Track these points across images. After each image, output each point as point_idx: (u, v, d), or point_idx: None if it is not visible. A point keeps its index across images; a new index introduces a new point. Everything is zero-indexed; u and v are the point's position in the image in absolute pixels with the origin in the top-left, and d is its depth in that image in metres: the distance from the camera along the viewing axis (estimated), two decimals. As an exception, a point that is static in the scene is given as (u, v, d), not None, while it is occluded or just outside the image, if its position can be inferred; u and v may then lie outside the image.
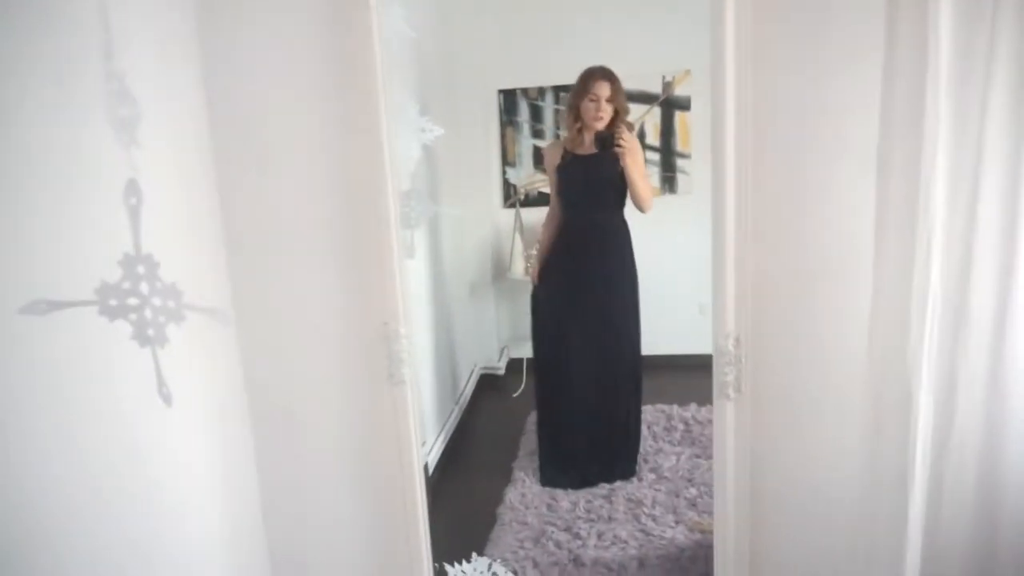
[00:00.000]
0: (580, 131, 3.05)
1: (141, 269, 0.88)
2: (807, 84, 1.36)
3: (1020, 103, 1.26)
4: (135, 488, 1.10)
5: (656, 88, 4.39)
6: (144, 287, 0.88)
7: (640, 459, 3.28)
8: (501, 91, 4.46)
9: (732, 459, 1.50)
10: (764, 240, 1.42)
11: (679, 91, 4.37)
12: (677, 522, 2.74)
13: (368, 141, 1.46)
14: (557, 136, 4.35)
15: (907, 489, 1.36)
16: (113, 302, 0.86)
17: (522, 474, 3.25)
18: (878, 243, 1.33)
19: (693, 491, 2.98)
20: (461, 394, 4.08)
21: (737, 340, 1.45)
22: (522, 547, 2.64)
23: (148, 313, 0.88)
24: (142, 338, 0.88)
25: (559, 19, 4.34)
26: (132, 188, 0.88)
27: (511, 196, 4.52)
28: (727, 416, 1.49)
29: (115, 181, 0.90)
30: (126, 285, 0.87)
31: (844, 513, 1.50)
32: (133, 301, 0.87)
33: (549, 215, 3.31)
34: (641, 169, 3.04)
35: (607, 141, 2.94)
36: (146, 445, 1.09)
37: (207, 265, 1.33)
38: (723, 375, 1.48)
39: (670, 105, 4.40)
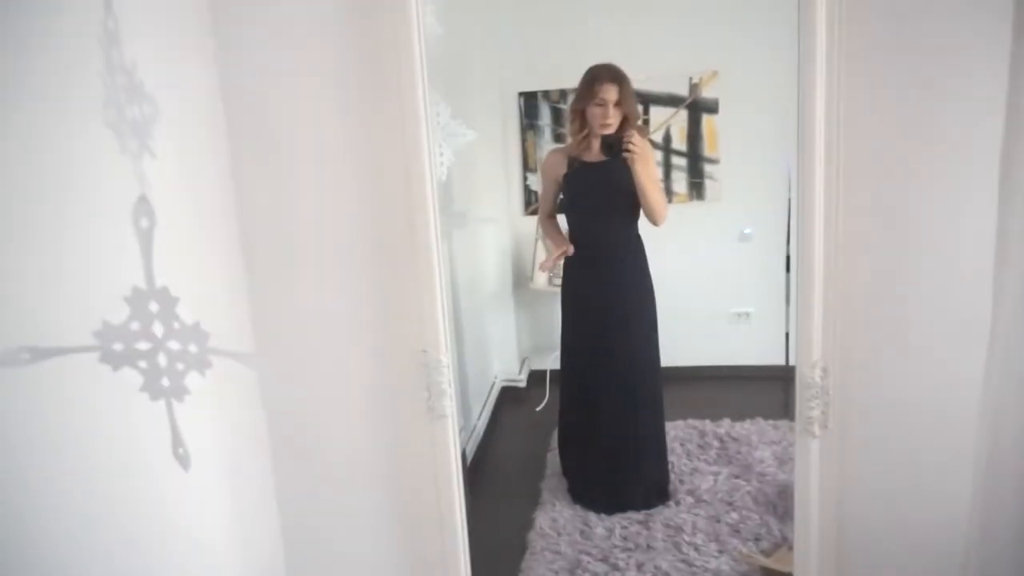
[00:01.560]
0: (586, 137, 2.83)
1: (154, 306, 0.72)
2: (908, 72, 1.19)
3: None
4: (147, 557, 0.94)
5: (683, 90, 4.22)
6: (158, 328, 0.72)
7: (675, 479, 3.10)
8: (521, 94, 4.30)
9: (816, 504, 1.33)
10: (856, 255, 1.25)
11: (706, 93, 4.21)
12: (721, 551, 2.57)
13: (405, 148, 1.30)
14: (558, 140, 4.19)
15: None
16: (118, 347, 0.70)
17: (551, 495, 3.08)
18: (1000, 257, 1.16)
19: (735, 516, 2.80)
20: (482, 409, 3.92)
21: (825, 370, 1.28)
22: (557, 579, 2.47)
23: (162, 359, 0.72)
24: (154, 390, 0.72)
25: (581, 19, 4.18)
26: (143, 207, 0.72)
27: (533, 203, 4.36)
28: (811, 455, 1.32)
29: (121, 199, 0.74)
30: (134, 326, 0.71)
31: (947, 565, 1.32)
32: (143, 345, 0.71)
33: (548, 227, 3.07)
34: (653, 177, 2.81)
35: (615, 145, 2.72)
36: (159, 516, 0.93)
37: (225, 295, 1.17)
38: (808, 409, 1.30)
39: (697, 108, 4.23)
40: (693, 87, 4.22)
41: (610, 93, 2.70)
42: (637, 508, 2.90)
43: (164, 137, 0.78)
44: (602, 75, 2.72)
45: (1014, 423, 1.22)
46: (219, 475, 1.12)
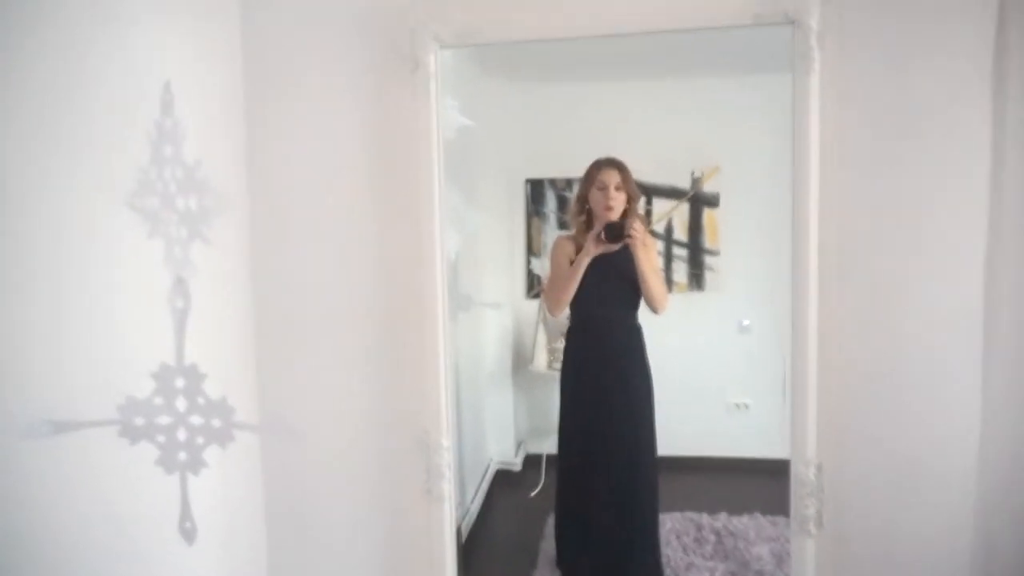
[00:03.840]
0: (588, 224, 2.94)
1: (180, 382, 0.76)
2: (900, 171, 1.28)
3: None
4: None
5: (685, 183, 4.35)
6: (181, 403, 0.75)
7: (670, 574, 3.04)
8: (529, 180, 4.43)
9: (813, 605, 1.32)
10: (852, 352, 1.30)
11: (708, 187, 4.34)
12: (716, 653, 2.49)
13: (419, 234, 1.37)
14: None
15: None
16: (139, 421, 0.73)
17: (543, 587, 3.02)
18: (988, 357, 1.20)
19: (731, 615, 2.73)
20: (476, 491, 3.86)
21: (819, 468, 1.30)
22: (547, 676, 2.39)
23: (182, 434, 0.75)
24: (170, 463, 0.74)
25: (589, 110, 4.34)
26: (180, 289, 0.77)
27: (535, 286, 4.43)
28: (807, 555, 1.32)
29: (158, 281, 0.79)
30: (158, 400, 0.74)
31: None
32: (164, 420, 0.74)
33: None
34: (654, 264, 2.93)
35: (617, 232, 2.82)
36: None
37: (234, 370, 1.20)
38: (803, 508, 1.32)
39: (699, 201, 4.35)
40: (695, 181, 4.35)
41: (610, 177, 2.89)
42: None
43: (215, 225, 0.84)
44: (601, 161, 2.92)
45: (1008, 525, 1.23)
46: (216, 549, 1.13)
